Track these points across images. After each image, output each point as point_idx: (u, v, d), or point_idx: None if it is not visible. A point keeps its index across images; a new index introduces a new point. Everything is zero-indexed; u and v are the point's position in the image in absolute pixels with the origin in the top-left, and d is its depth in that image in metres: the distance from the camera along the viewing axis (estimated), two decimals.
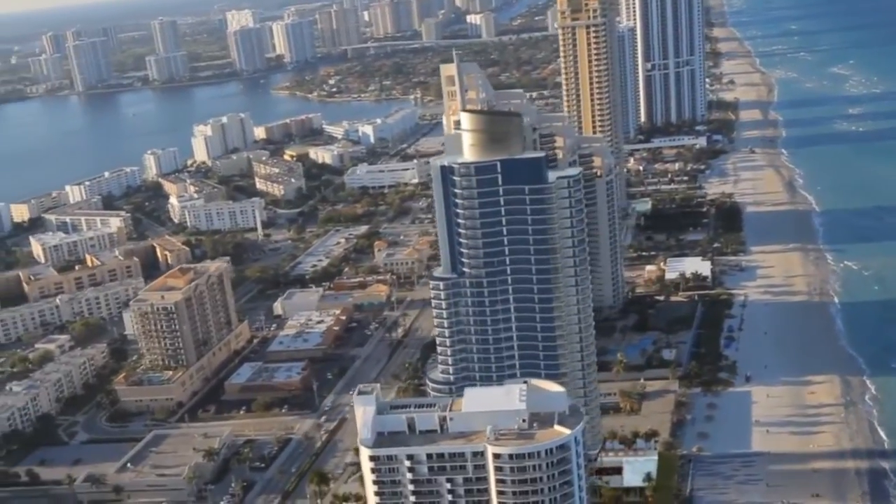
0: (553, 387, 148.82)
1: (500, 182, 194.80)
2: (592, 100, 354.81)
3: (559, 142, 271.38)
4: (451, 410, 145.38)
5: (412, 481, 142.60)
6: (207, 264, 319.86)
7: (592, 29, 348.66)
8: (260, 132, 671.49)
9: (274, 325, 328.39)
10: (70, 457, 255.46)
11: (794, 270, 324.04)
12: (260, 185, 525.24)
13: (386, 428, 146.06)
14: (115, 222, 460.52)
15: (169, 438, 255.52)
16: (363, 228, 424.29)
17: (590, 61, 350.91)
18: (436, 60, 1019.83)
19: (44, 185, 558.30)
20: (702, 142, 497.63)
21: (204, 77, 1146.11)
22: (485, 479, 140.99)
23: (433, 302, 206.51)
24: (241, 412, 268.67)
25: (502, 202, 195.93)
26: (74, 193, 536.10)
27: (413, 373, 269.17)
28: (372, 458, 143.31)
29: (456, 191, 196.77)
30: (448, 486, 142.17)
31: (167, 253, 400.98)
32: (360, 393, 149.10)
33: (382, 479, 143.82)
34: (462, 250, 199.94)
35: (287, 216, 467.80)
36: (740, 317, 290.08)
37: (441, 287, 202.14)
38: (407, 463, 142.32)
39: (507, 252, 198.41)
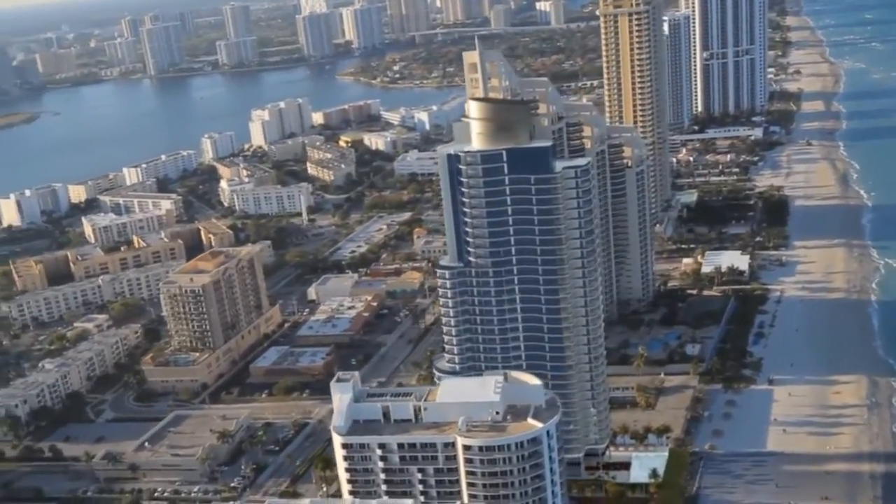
0: (531, 380, 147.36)
1: (505, 171, 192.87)
2: (633, 89, 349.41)
3: (587, 131, 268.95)
4: (426, 400, 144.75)
5: (384, 470, 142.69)
6: (239, 248, 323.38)
7: (635, 17, 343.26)
8: (318, 117, 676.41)
9: (307, 310, 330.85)
10: (94, 434, 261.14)
11: (835, 266, 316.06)
12: (312, 170, 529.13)
13: (361, 416, 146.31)
14: (166, 205, 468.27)
15: (189, 419, 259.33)
16: (406, 215, 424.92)
17: (631, 50, 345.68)
18: (502, 47, 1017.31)
19: (105, 167, 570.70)
20: (758, 133, 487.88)
21: (272, 62, 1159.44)
22: (456, 471, 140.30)
23: (439, 291, 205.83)
24: (263, 395, 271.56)
25: (508, 191, 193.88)
26: (131, 175, 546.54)
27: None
28: (344, 446, 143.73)
29: (462, 179, 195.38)
30: (419, 475, 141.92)
31: (211, 236, 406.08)
32: (338, 380, 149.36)
33: (355, 467, 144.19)
34: (468, 239, 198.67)
35: (334, 202, 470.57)
36: (773, 313, 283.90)
37: (447, 276, 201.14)
38: (378, 451, 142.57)
39: (512, 242, 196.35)
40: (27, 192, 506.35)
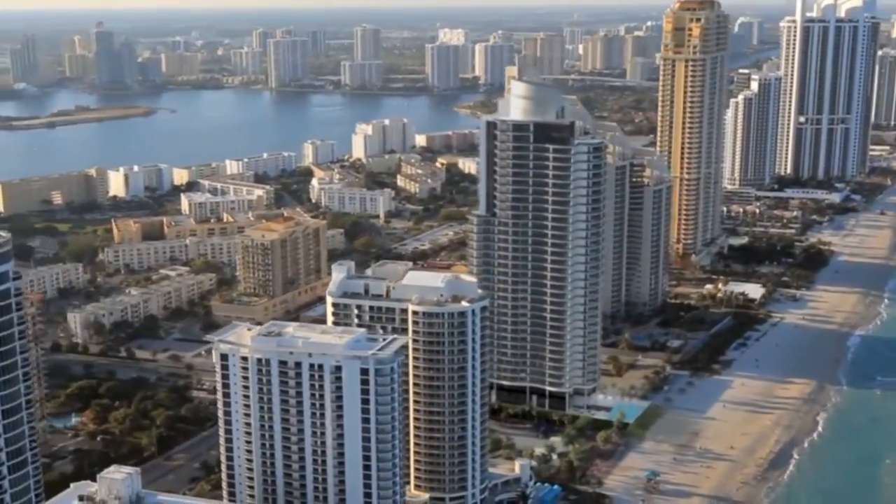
0: (471, 279, 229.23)
1: (531, 140, 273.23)
2: (683, 130, 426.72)
3: (609, 148, 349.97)
4: (395, 283, 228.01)
5: (358, 325, 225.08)
6: (309, 218, 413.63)
7: (690, 64, 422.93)
8: (421, 140, 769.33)
9: None
10: (162, 346, 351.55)
11: (842, 307, 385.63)
12: (401, 181, 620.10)
13: (349, 289, 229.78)
14: (259, 192, 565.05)
15: None
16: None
17: (684, 93, 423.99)
18: (630, 98, 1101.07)
19: (209, 159, 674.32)
20: (835, 198, 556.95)
21: (395, 88, 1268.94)
22: (406, 331, 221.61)
23: (467, 235, 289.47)
24: None
25: (531, 157, 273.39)
26: (232, 167, 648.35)
27: None
28: (333, 305, 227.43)
29: (496, 143, 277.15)
30: (381, 332, 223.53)
31: None
32: (338, 264, 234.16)
33: (339, 321, 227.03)
34: (495, 194, 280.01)
35: (412, 210, 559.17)
36: (764, 332, 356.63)
37: (475, 223, 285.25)
38: (356, 311, 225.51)
39: (530, 200, 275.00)
40: (135, 168, 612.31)
